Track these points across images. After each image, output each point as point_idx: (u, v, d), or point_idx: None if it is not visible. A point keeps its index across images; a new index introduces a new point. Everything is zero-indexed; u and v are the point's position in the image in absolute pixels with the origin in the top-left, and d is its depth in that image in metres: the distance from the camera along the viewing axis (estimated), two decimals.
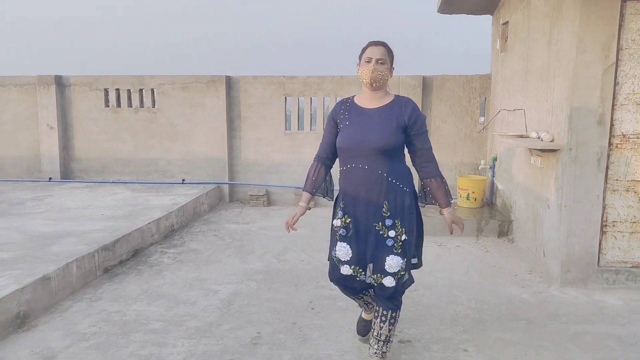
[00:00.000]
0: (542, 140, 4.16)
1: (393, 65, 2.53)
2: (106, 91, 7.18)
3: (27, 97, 7.26)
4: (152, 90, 7.11)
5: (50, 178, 7.22)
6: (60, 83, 7.17)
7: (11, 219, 5.06)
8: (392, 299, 2.57)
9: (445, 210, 2.55)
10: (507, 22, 5.76)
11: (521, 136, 4.69)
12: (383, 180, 2.44)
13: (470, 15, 6.54)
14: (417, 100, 6.58)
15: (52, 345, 3.02)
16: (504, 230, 5.40)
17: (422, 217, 2.71)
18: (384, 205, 2.45)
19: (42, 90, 7.11)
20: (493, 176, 6.18)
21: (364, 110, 2.49)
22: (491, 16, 6.50)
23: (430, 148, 2.53)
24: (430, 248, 5.07)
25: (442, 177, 2.54)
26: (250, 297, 3.75)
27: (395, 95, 2.54)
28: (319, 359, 2.86)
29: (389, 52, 2.48)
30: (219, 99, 6.94)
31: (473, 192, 6.03)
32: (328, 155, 2.65)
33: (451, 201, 2.55)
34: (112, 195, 6.37)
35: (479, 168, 6.45)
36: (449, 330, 3.23)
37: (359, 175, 2.46)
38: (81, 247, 4.13)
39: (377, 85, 2.44)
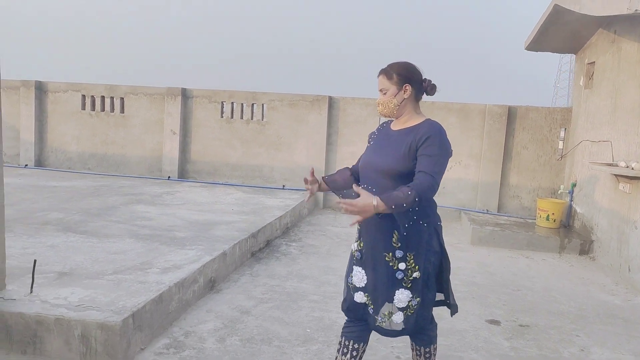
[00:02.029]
0: (632, 169, 4.82)
1: (405, 84, 2.32)
2: (222, 104, 8.22)
3: (154, 105, 8.38)
4: (262, 105, 8.09)
5: (169, 177, 8.27)
6: (184, 95, 8.26)
7: (162, 208, 6.05)
8: (421, 333, 2.50)
9: (379, 203, 2.06)
10: (593, 62, 6.45)
11: (609, 165, 5.35)
12: None
13: (554, 54, 7.24)
14: (501, 127, 7.31)
15: (242, 304, 3.89)
16: (585, 249, 6.02)
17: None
18: (394, 234, 2.27)
19: (169, 100, 8.21)
20: (571, 200, 6.80)
21: (390, 132, 2.40)
22: (574, 55, 7.19)
23: (429, 174, 2.14)
24: (518, 259, 5.75)
25: (415, 190, 2.09)
26: None
27: (426, 119, 2.33)
28: (452, 329, 3.62)
29: (390, 76, 2.33)
30: (321, 115, 7.85)
31: (553, 213, 6.67)
32: (356, 167, 2.60)
33: (389, 203, 2.06)
34: (229, 195, 7.33)
35: (558, 192, 7.08)
36: (558, 321, 3.93)
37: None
38: (235, 233, 5.04)
39: (388, 115, 2.38)
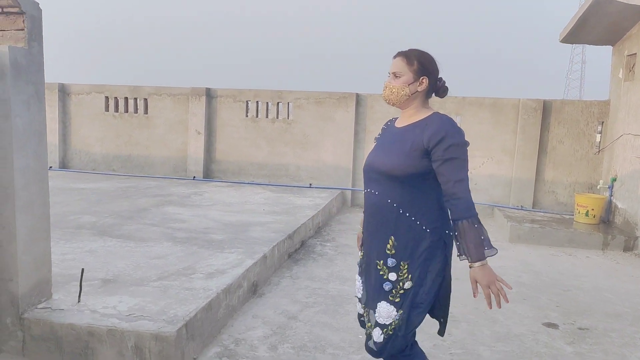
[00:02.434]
0: None
1: (424, 76, 2.06)
2: (247, 103, 8.10)
3: (178, 106, 8.29)
4: (288, 103, 7.96)
5: (194, 177, 8.18)
6: (209, 94, 8.15)
7: (193, 209, 5.95)
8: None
9: (475, 265, 1.93)
10: (634, 53, 6.22)
11: None
12: (393, 211, 2.04)
13: (590, 46, 7.01)
14: (536, 122, 7.10)
15: (287, 309, 3.76)
16: (630, 245, 5.81)
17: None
18: (390, 240, 2.05)
19: (193, 100, 8.12)
20: (611, 196, 6.58)
21: (394, 130, 2.17)
22: (612, 47, 6.95)
23: (461, 181, 1.93)
24: (560, 257, 5.56)
25: (473, 220, 1.91)
26: None
27: (433, 112, 2.08)
28: (509, 333, 3.46)
29: (410, 62, 2.06)
30: (348, 113, 7.70)
31: (592, 209, 6.46)
32: None
33: (487, 253, 1.95)
34: (257, 194, 7.21)
35: (598, 187, 6.86)
36: (617, 323, 3.75)
37: (371, 202, 2.13)
38: (271, 235, 4.91)
39: (393, 103, 2.11)
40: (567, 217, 6.90)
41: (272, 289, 4.15)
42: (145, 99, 8.47)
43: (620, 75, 6.58)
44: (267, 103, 8.03)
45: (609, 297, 4.32)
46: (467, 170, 1.98)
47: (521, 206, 7.26)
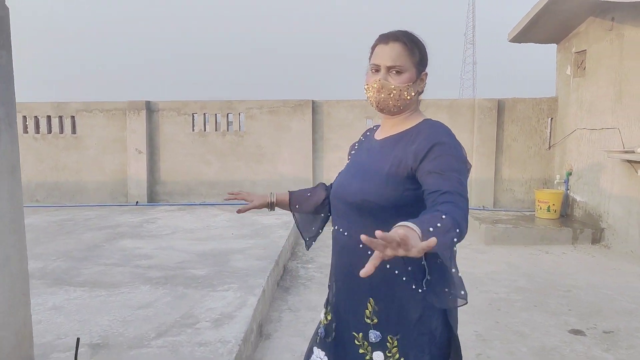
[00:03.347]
0: None
1: (425, 70, 1.53)
2: (193, 116, 7.45)
3: (113, 122, 7.43)
4: (239, 114, 7.42)
5: (137, 202, 7.37)
6: (149, 108, 7.38)
7: (154, 241, 5.26)
8: None
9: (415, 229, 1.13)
10: (583, 50, 6.46)
11: (626, 152, 5.31)
12: (366, 261, 1.21)
13: (536, 44, 7.23)
14: (492, 121, 7.18)
15: (303, 349, 3.32)
16: (597, 237, 5.99)
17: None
18: (368, 304, 1.49)
19: (131, 115, 7.31)
20: (567, 189, 6.80)
21: (372, 142, 1.62)
22: (556, 45, 7.21)
23: (459, 194, 1.31)
24: (540, 256, 5.59)
25: (455, 224, 1.20)
26: None
27: (424, 119, 1.53)
28: (544, 346, 3.30)
29: (412, 51, 1.48)
30: (305, 121, 7.33)
31: (553, 204, 6.62)
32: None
33: (443, 248, 1.16)
34: (215, 216, 6.61)
35: (555, 182, 7.07)
36: (635, 322, 3.73)
37: (339, 245, 1.58)
38: (256, 262, 4.42)
39: (389, 110, 1.51)
40: (528, 214, 7.03)
41: (277, 327, 3.67)
42: (73, 117, 7.50)
43: (569, 72, 6.83)
44: (216, 115, 7.44)
45: (609, 295, 4.33)
46: (466, 191, 1.34)
47: (483, 206, 7.32)
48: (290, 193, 1.88)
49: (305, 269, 5.12)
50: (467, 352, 3.30)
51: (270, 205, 1.88)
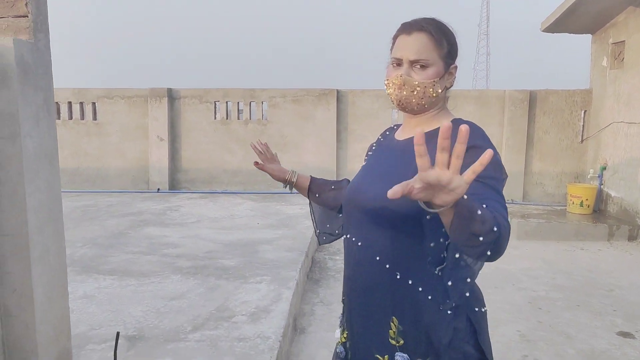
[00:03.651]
0: None
1: (454, 63, 1.34)
2: (215, 104, 7.32)
3: (135, 109, 7.33)
4: (262, 103, 7.28)
5: (158, 189, 7.28)
6: (171, 96, 7.27)
7: (179, 229, 5.16)
8: None
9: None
10: (621, 41, 6.21)
11: None
12: (384, 276, 1.30)
13: (571, 35, 6.99)
14: (523, 113, 6.97)
15: None
16: (634, 235, 5.79)
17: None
18: (392, 324, 1.32)
19: (153, 102, 7.20)
20: (601, 184, 6.58)
21: (393, 143, 1.44)
22: (591, 35, 6.96)
23: (500, 202, 1.13)
24: (575, 252, 5.41)
25: (501, 228, 1.02)
26: None
27: (454, 119, 1.33)
28: (594, 350, 3.14)
29: (440, 42, 1.29)
30: (329, 111, 7.17)
31: (586, 199, 6.42)
32: None
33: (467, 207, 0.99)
34: (238, 205, 6.50)
35: (588, 177, 6.85)
36: None
37: (353, 257, 1.39)
38: (286, 254, 4.30)
39: (412, 109, 1.33)
40: (559, 208, 6.83)
41: (311, 321, 3.55)
42: (94, 103, 7.42)
43: (605, 64, 6.58)
44: (239, 103, 7.30)
45: None
46: (505, 201, 1.16)
47: (512, 200, 7.12)
48: (313, 179, 1.73)
49: (333, 261, 4.99)
50: (513, 353, 3.16)
51: (289, 184, 1.74)
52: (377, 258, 1.28)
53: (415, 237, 1.24)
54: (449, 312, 1.24)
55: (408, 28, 1.29)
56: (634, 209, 5.93)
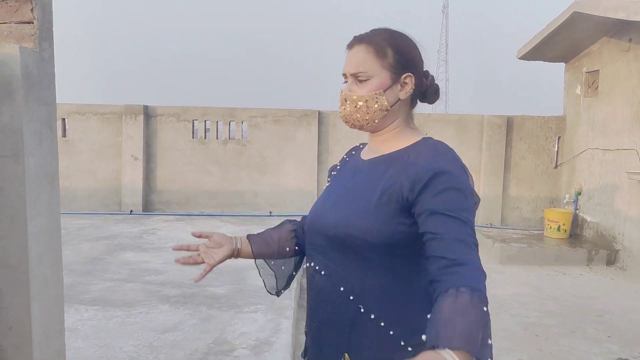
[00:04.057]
0: None
1: (408, 72, 1.22)
2: (193, 123, 7.12)
3: (108, 127, 7.03)
4: (242, 123, 7.13)
5: (131, 211, 6.96)
6: (147, 113, 7.02)
7: (159, 254, 4.90)
8: None
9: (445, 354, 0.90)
10: (595, 70, 6.44)
11: None
12: (348, 308, 1.18)
13: (545, 63, 7.21)
14: (501, 138, 7.09)
15: None
16: (612, 259, 5.91)
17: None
18: None
19: (128, 120, 6.92)
20: (576, 209, 6.73)
21: (358, 162, 1.32)
22: (564, 64, 7.20)
23: (464, 242, 1.05)
24: (558, 277, 5.46)
25: (482, 297, 0.99)
26: None
27: (423, 138, 1.24)
28: None
29: (381, 51, 1.20)
30: (311, 132, 7.09)
31: (563, 224, 6.54)
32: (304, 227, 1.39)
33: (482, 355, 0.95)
34: (218, 228, 6.26)
35: (564, 202, 6.99)
36: None
37: (315, 287, 1.27)
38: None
39: (361, 126, 1.24)
40: (536, 232, 6.93)
41: None
42: (64, 119, 7.07)
43: (579, 92, 6.80)
44: (218, 122, 7.12)
45: None
46: (475, 235, 1.07)
47: (490, 224, 7.19)
48: (250, 238, 1.45)
49: None
50: None
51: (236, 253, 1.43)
52: (342, 289, 1.19)
53: (383, 269, 1.16)
54: (410, 349, 1.13)
55: (351, 42, 1.24)
56: (610, 233, 6.06)
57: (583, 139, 6.70)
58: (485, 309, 0.98)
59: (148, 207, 7.12)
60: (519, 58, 7.12)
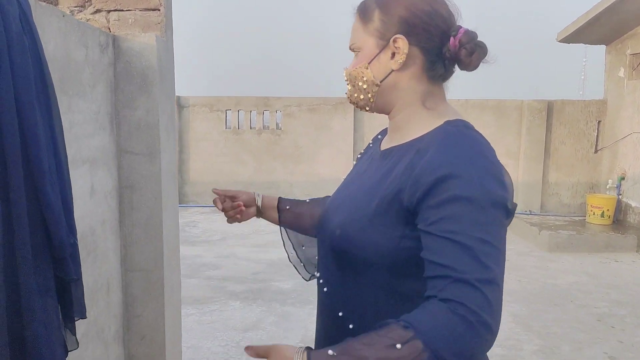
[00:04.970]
0: None
1: (396, 34, 0.96)
2: (226, 113, 6.98)
3: None
4: (276, 112, 6.99)
5: None
6: (178, 104, 6.88)
7: (209, 247, 4.81)
8: None
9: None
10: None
11: None
12: (340, 332, 0.95)
13: (587, 46, 7.03)
14: (541, 123, 6.94)
15: None
16: None
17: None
18: None
19: None
20: (619, 194, 6.60)
21: (376, 152, 1.10)
22: (605, 46, 7.02)
23: (468, 279, 0.78)
24: (613, 265, 5.35)
25: (429, 347, 0.75)
26: None
27: (445, 122, 0.96)
28: None
29: (367, 15, 0.99)
30: (347, 120, 6.95)
31: (607, 209, 6.41)
32: None
33: None
34: (258, 220, 6.16)
35: (607, 187, 6.86)
36: None
37: (319, 304, 1.10)
38: None
39: (362, 107, 1.06)
40: (577, 219, 6.81)
41: None
42: None
43: (622, 74, 6.63)
44: (251, 112, 6.98)
45: None
46: (501, 266, 0.83)
47: (530, 211, 7.06)
48: (280, 200, 1.32)
49: None
50: None
51: (257, 211, 1.34)
52: (340, 314, 0.97)
53: (389, 292, 0.93)
54: None
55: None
56: None
57: (627, 123, 6.54)
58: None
59: (181, 199, 7.00)
60: (559, 41, 6.93)
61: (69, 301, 1.09)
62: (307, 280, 1.29)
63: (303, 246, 1.30)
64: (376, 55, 0.96)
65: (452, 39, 0.94)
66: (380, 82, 0.97)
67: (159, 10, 1.61)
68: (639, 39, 6.29)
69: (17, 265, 0.89)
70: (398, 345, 0.75)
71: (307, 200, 1.30)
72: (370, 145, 1.16)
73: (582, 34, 6.62)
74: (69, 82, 1.19)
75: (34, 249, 0.92)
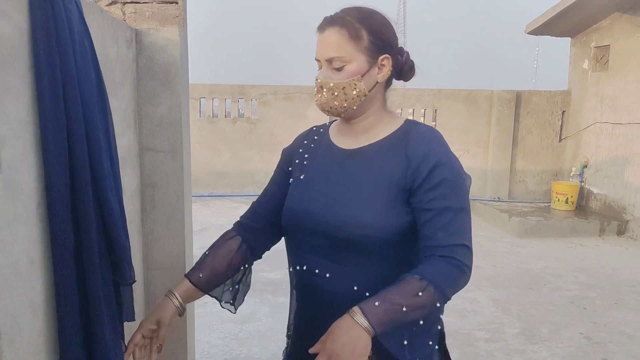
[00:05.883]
0: None
1: (385, 54, 1.16)
2: (200, 101, 6.86)
3: None
4: (252, 100, 6.92)
5: None
6: None
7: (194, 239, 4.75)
8: None
9: (358, 318, 1.01)
10: (605, 45, 6.54)
11: None
12: (358, 302, 1.05)
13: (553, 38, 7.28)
14: (510, 113, 7.16)
15: None
16: (622, 230, 6.13)
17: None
18: None
19: None
20: (582, 182, 6.92)
21: (337, 151, 1.23)
22: (570, 39, 7.28)
23: (464, 245, 1.10)
24: (578, 248, 5.62)
25: (441, 297, 1.06)
26: None
27: (405, 121, 1.22)
28: None
29: (356, 34, 1.13)
30: None
31: (571, 196, 6.72)
32: (256, 224, 1.36)
33: (387, 317, 1.01)
34: (234, 209, 6.14)
35: (570, 175, 7.17)
36: None
37: (312, 290, 1.20)
38: None
39: (338, 113, 1.18)
40: (542, 205, 7.10)
41: None
42: None
43: (586, 66, 6.91)
44: (226, 100, 6.88)
45: None
46: (468, 222, 1.13)
47: (498, 197, 7.31)
48: (189, 280, 1.28)
49: None
50: (591, 357, 3.18)
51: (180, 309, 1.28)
52: (355, 288, 1.14)
53: (398, 261, 1.15)
54: (436, 347, 1.17)
55: (322, 24, 1.17)
56: (619, 205, 6.27)
57: (590, 113, 6.84)
58: (437, 305, 1.06)
59: None
60: (528, 33, 7.15)
61: (118, 304, 1.09)
62: (234, 313, 1.45)
63: (237, 285, 1.40)
64: (367, 71, 1.15)
65: (400, 57, 1.21)
66: (369, 92, 1.17)
67: (177, 3, 1.58)
68: (604, 32, 6.56)
69: (84, 272, 0.88)
70: (420, 293, 1.03)
71: (207, 252, 1.31)
72: (312, 145, 1.28)
73: (549, 27, 6.85)
74: (106, 81, 1.17)
75: (100, 254, 0.91)
